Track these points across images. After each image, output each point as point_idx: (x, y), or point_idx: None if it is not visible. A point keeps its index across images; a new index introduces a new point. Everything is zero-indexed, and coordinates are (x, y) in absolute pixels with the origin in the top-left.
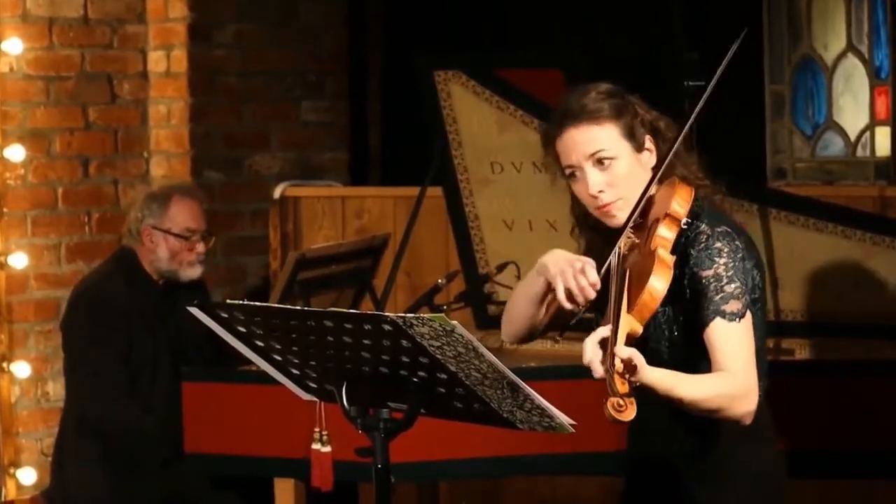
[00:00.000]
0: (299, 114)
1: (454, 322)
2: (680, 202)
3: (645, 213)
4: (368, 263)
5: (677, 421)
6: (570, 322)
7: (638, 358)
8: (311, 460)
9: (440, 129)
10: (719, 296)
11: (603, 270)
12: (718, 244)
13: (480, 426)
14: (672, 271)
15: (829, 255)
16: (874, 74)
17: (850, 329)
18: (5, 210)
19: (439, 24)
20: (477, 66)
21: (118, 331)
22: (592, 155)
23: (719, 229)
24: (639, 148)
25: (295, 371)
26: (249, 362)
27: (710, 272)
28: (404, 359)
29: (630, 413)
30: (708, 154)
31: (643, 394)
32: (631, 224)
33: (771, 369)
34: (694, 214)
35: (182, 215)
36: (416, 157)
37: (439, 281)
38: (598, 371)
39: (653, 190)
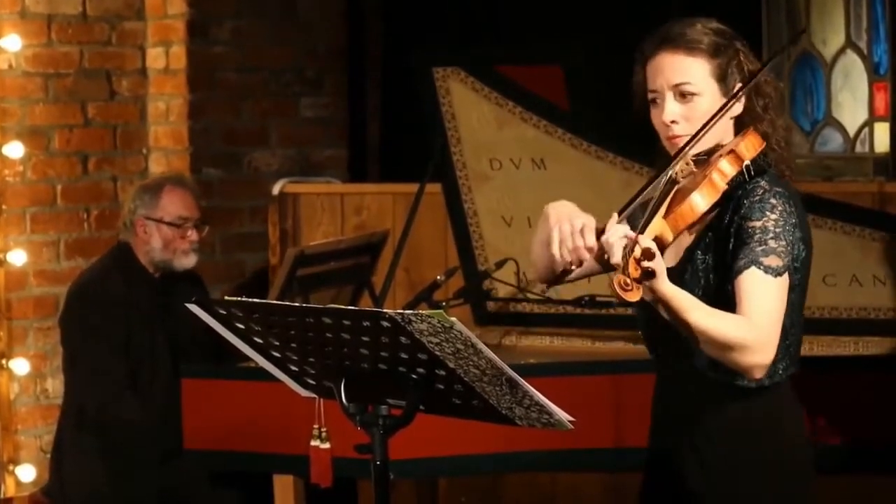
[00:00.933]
0: (298, 110)
1: (453, 318)
2: (748, 146)
3: (710, 154)
4: (367, 260)
5: (699, 407)
6: (564, 277)
7: (659, 260)
8: (310, 457)
9: (439, 125)
10: (761, 247)
11: (650, 187)
12: (773, 200)
13: (479, 423)
14: (719, 196)
15: (828, 252)
16: (873, 70)
17: (850, 325)
18: (4, 207)
19: (438, 20)
20: (476, 63)
21: (116, 325)
22: (677, 86)
23: (778, 189)
24: (725, 93)
25: (294, 368)
26: (248, 359)
27: (758, 223)
28: (403, 355)
29: (634, 295)
30: None
31: (670, 383)
32: (689, 149)
33: None
34: (758, 169)
35: (173, 204)
36: (415, 154)
37: (438, 277)
38: (617, 254)
39: (727, 138)
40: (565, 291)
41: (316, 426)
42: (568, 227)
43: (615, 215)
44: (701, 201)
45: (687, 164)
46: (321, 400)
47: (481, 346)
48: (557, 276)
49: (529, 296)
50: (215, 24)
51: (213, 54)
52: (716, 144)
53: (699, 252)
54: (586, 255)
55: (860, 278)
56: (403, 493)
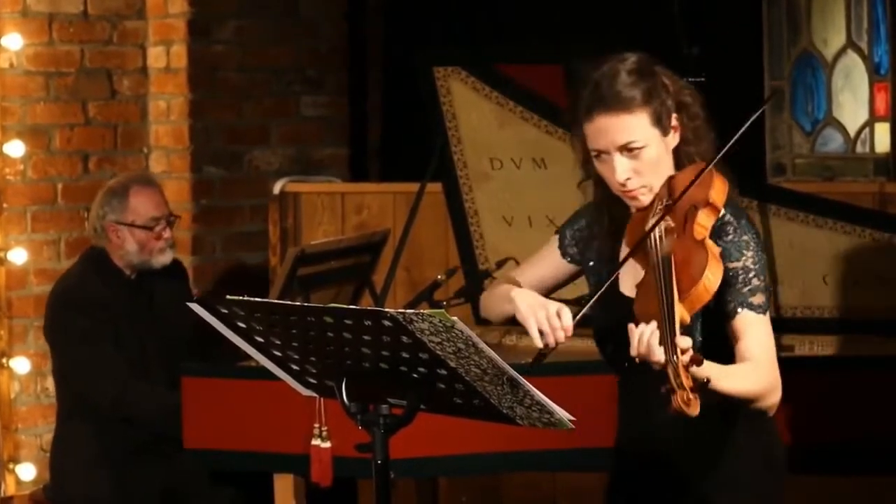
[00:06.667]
0: (299, 109)
1: (454, 318)
2: (718, 192)
3: (671, 193)
4: (368, 259)
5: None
6: (542, 358)
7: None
8: (311, 456)
9: (440, 125)
10: (747, 288)
11: (632, 248)
12: (746, 237)
13: (480, 422)
14: (722, 263)
15: (828, 251)
16: (874, 70)
17: (850, 325)
18: (5, 206)
19: (439, 19)
20: (477, 63)
21: (105, 325)
22: (623, 146)
23: (743, 221)
24: (665, 132)
25: (295, 367)
26: (242, 357)
27: (738, 264)
28: (404, 355)
29: (695, 408)
30: None
31: (640, 400)
32: (660, 208)
33: None
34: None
35: (143, 206)
36: (415, 153)
37: (439, 277)
38: (660, 357)
39: (671, 170)
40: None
41: (317, 425)
42: (544, 313)
43: (632, 327)
44: (713, 279)
45: (665, 220)
46: (322, 399)
47: (482, 345)
48: (537, 357)
49: None
50: (216, 23)
51: (214, 53)
52: (667, 179)
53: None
54: (563, 337)
55: (861, 278)
56: (404, 493)
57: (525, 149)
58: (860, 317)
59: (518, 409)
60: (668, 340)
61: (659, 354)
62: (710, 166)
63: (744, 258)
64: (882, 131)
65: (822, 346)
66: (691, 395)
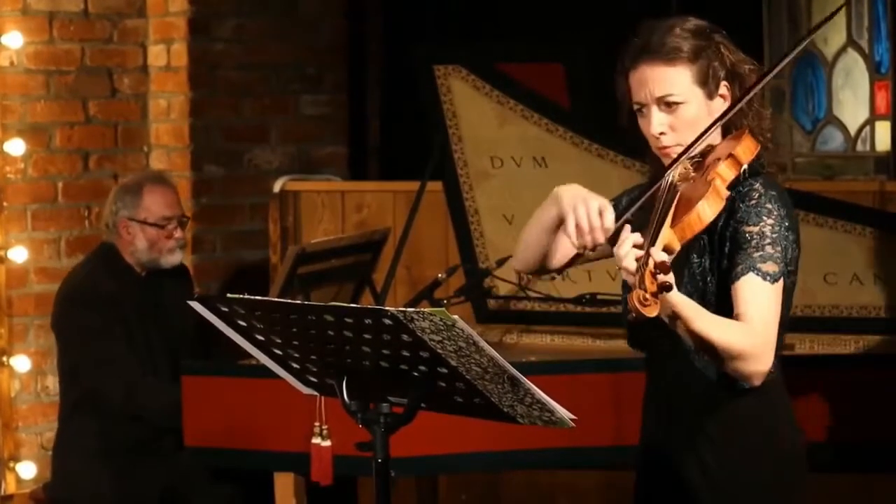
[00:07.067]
0: (299, 107)
1: (455, 316)
2: (745, 150)
3: (704, 155)
4: (368, 258)
5: (695, 406)
6: (573, 262)
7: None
8: (311, 454)
9: (440, 123)
10: (758, 253)
11: (649, 193)
12: (769, 205)
13: (481, 420)
14: (724, 204)
15: (828, 250)
16: (874, 69)
17: (851, 323)
18: (5, 204)
19: (439, 17)
20: (477, 61)
21: (115, 322)
22: (661, 98)
23: (772, 192)
24: (710, 95)
25: (295, 365)
26: (243, 356)
27: (754, 228)
28: (405, 353)
29: (652, 310)
30: None
31: (662, 382)
32: (685, 157)
33: None
34: (752, 171)
35: (156, 204)
36: (415, 152)
37: (439, 275)
38: (632, 264)
39: (717, 140)
40: (565, 289)
41: (317, 424)
42: (584, 210)
43: (627, 228)
44: (708, 210)
45: (685, 168)
46: (322, 398)
47: (483, 343)
48: (566, 262)
49: (531, 294)
50: (216, 21)
51: (214, 51)
52: (707, 145)
53: (694, 255)
54: (602, 238)
55: (861, 277)
56: (404, 491)
57: (525, 147)
58: (861, 315)
59: (518, 407)
60: (645, 251)
61: (631, 261)
62: (735, 110)
63: (762, 224)
64: (882, 130)
65: (822, 345)
66: (650, 297)
